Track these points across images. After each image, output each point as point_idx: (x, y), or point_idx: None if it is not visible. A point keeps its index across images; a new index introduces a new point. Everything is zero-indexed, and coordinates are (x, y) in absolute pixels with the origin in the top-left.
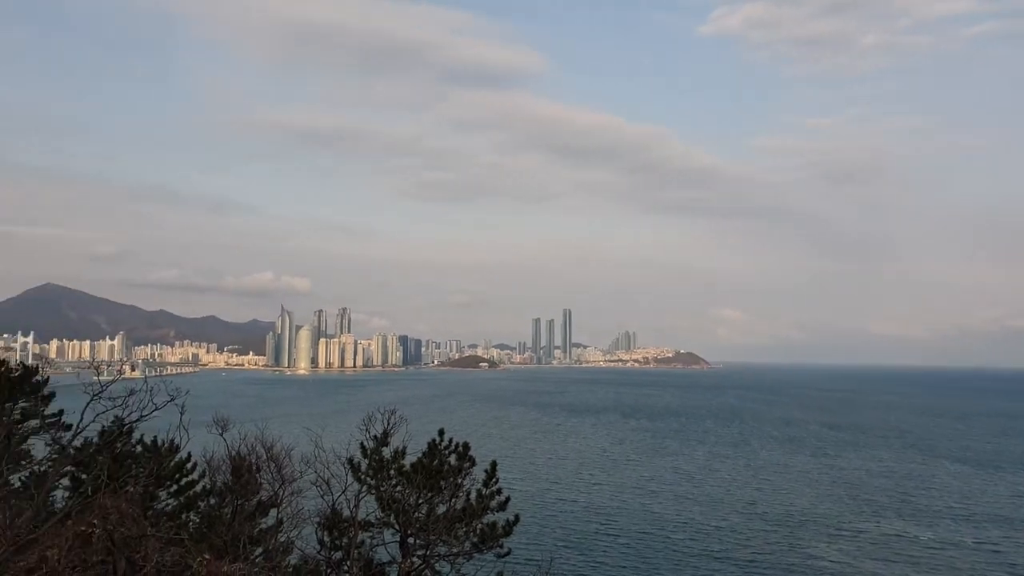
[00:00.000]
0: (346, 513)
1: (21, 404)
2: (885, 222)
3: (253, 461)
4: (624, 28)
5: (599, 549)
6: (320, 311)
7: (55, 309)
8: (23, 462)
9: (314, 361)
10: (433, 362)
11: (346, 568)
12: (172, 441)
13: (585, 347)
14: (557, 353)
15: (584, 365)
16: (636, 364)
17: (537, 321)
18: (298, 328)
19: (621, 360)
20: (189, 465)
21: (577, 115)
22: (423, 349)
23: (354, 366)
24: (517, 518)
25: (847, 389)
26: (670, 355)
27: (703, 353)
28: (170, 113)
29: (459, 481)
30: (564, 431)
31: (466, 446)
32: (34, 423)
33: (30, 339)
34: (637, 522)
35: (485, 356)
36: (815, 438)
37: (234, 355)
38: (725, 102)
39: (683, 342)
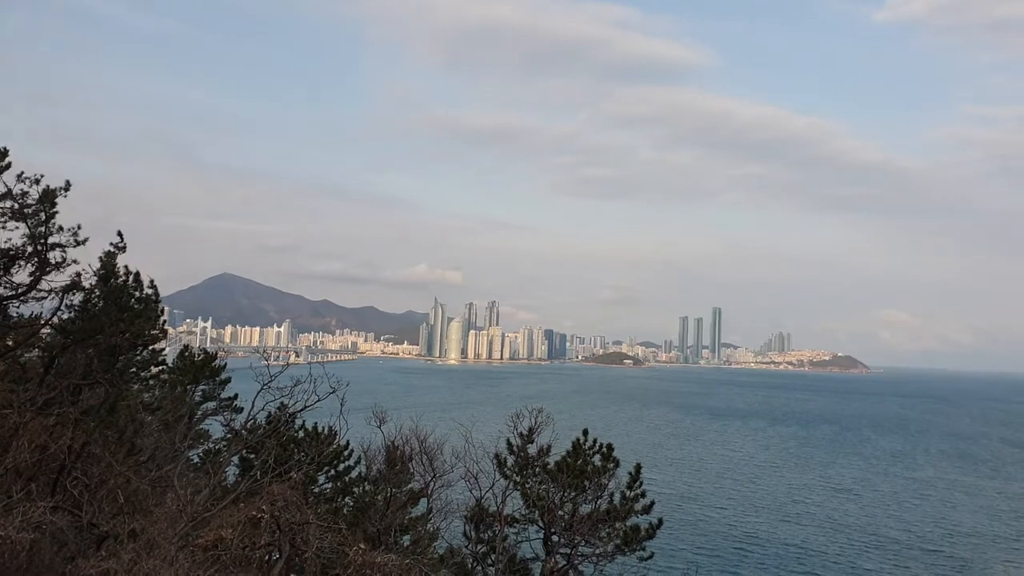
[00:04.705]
0: (492, 508)
1: (201, 387)
2: None
3: (407, 452)
4: (794, 17)
5: (740, 562)
6: (471, 304)
7: (230, 297)
8: (202, 440)
9: (463, 352)
10: (577, 357)
11: (491, 562)
12: (331, 428)
13: (735, 347)
14: (705, 353)
15: (733, 366)
16: (789, 366)
17: (685, 319)
18: (450, 320)
19: (773, 362)
20: (346, 452)
21: (740, 108)
22: (568, 344)
23: (501, 358)
24: (660, 522)
25: None
26: (827, 358)
27: (863, 357)
28: (346, 114)
29: (603, 482)
30: (708, 435)
31: (610, 447)
32: (212, 405)
33: (208, 324)
34: (782, 534)
35: (630, 353)
36: (991, 455)
37: (390, 344)
38: (900, 93)
39: (841, 345)
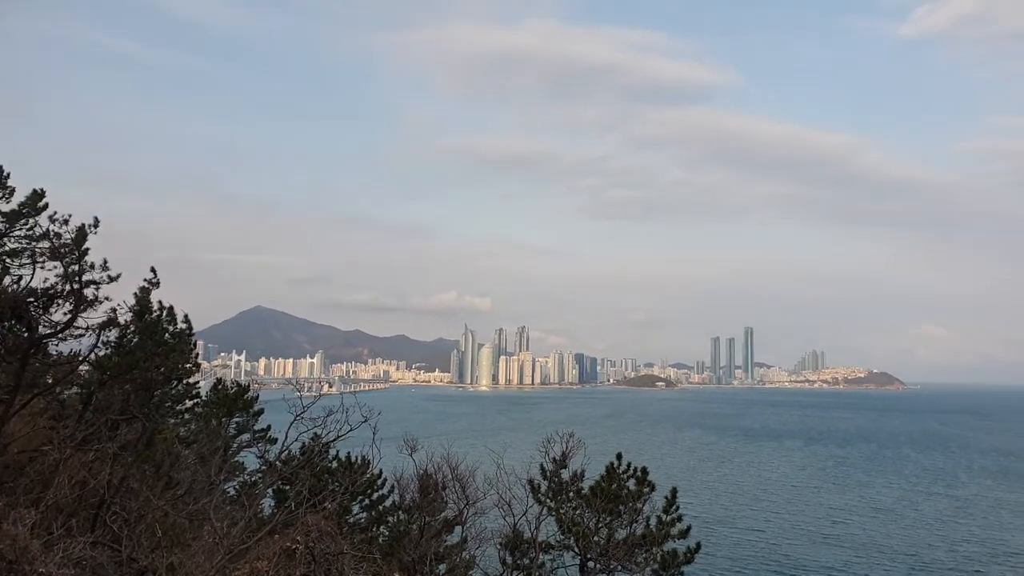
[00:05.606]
0: (527, 534)
1: (236, 419)
2: None
3: (439, 480)
4: (817, 34)
5: None
6: (500, 329)
7: (263, 329)
8: (237, 473)
9: (494, 378)
10: (608, 380)
11: None
12: (364, 457)
13: (768, 367)
14: (738, 373)
15: (767, 386)
16: (824, 385)
17: (716, 340)
18: (480, 346)
19: (808, 380)
20: (380, 481)
21: (766, 127)
22: (598, 367)
23: (532, 383)
24: (698, 546)
25: None
26: (862, 375)
27: (899, 373)
28: (370, 144)
29: (638, 506)
30: (743, 456)
31: (644, 471)
32: (246, 437)
33: (243, 357)
34: (821, 557)
35: (662, 375)
36: None
37: (421, 372)
38: (926, 107)
39: (876, 362)
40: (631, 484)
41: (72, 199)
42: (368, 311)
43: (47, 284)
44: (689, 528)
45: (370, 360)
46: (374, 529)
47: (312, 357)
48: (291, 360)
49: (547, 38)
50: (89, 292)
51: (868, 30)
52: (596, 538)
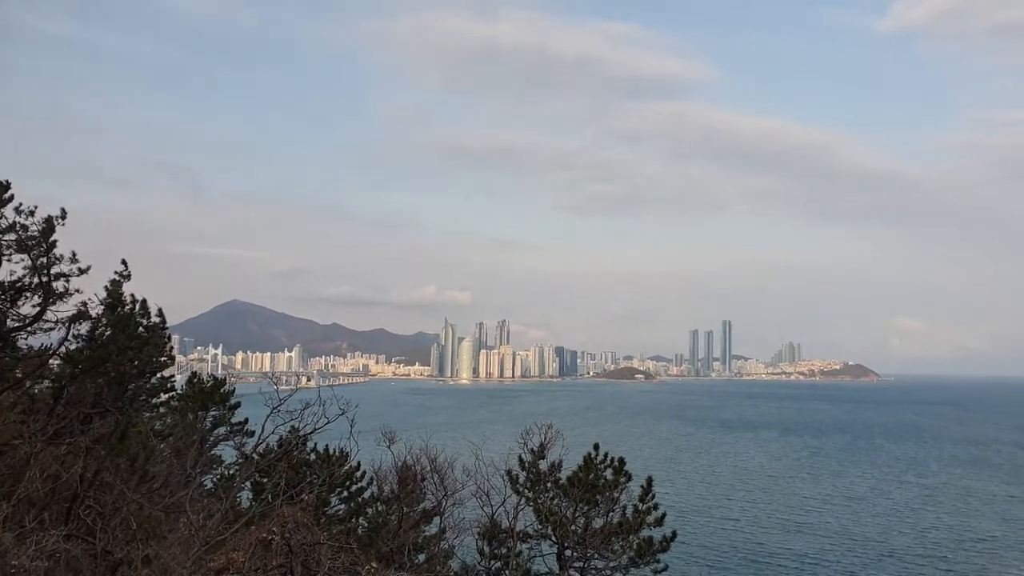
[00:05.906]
0: (505, 524)
1: (212, 413)
2: None
3: (418, 471)
4: (797, 29)
5: (754, 574)
6: (480, 323)
7: (241, 323)
8: (214, 466)
9: (475, 371)
10: (588, 373)
11: None
12: (342, 450)
13: (746, 359)
14: (716, 365)
15: (745, 378)
16: (801, 376)
17: (695, 332)
18: (460, 340)
19: (785, 372)
20: (358, 473)
21: (746, 121)
22: (578, 360)
23: (512, 376)
24: (674, 534)
25: None
26: (837, 367)
27: (874, 365)
28: (349, 136)
29: (615, 495)
30: (720, 447)
31: (622, 461)
32: (223, 430)
33: (219, 351)
34: (795, 545)
35: (641, 368)
36: (1005, 460)
37: (401, 366)
38: (904, 101)
39: (852, 354)
40: (608, 474)
41: (43, 191)
42: (347, 305)
43: (14, 277)
44: (664, 516)
45: (349, 354)
46: (353, 520)
47: (290, 351)
48: (269, 354)
49: (528, 30)
50: (59, 285)
51: (847, 24)
52: (573, 527)
